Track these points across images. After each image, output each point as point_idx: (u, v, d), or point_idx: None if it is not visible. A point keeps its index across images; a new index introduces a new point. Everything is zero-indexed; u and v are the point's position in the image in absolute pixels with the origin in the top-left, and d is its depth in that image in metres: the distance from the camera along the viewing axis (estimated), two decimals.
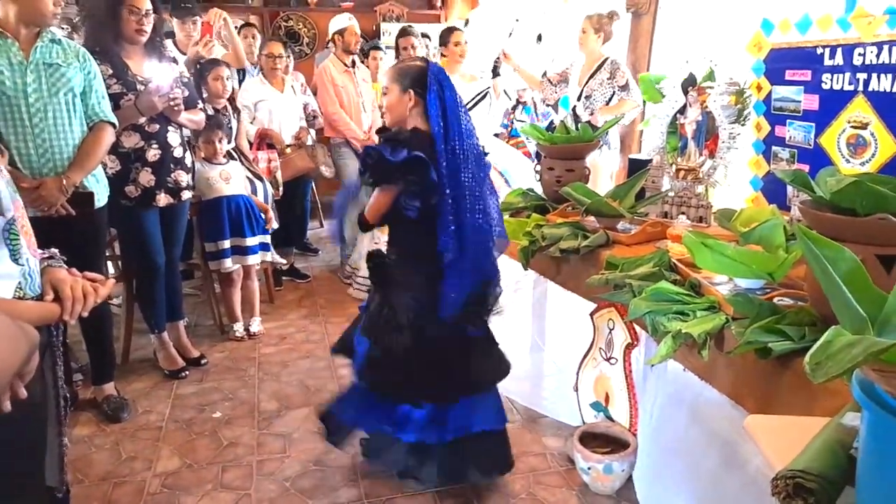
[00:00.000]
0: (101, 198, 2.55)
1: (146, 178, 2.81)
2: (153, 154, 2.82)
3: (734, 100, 2.33)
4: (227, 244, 3.37)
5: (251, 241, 3.44)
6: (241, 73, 4.44)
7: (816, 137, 2.26)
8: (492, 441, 2.17)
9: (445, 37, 4.19)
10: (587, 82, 3.92)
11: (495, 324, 2.20)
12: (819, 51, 2.21)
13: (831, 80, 2.18)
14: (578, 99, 4.00)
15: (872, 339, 0.78)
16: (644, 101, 3.67)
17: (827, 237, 1.01)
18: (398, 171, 1.91)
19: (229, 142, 3.53)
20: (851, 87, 2.10)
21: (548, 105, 4.55)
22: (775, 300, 1.59)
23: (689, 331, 1.57)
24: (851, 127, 2.13)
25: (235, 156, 3.57)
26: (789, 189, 2.29)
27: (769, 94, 2.46)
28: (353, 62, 4.44)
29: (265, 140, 4.07)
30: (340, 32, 4.43)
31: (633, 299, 1.77)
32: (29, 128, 2.27)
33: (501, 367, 2.19)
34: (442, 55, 4.16)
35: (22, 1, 2.21)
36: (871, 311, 0.89)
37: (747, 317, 1.52)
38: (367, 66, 4.87)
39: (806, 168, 2.14)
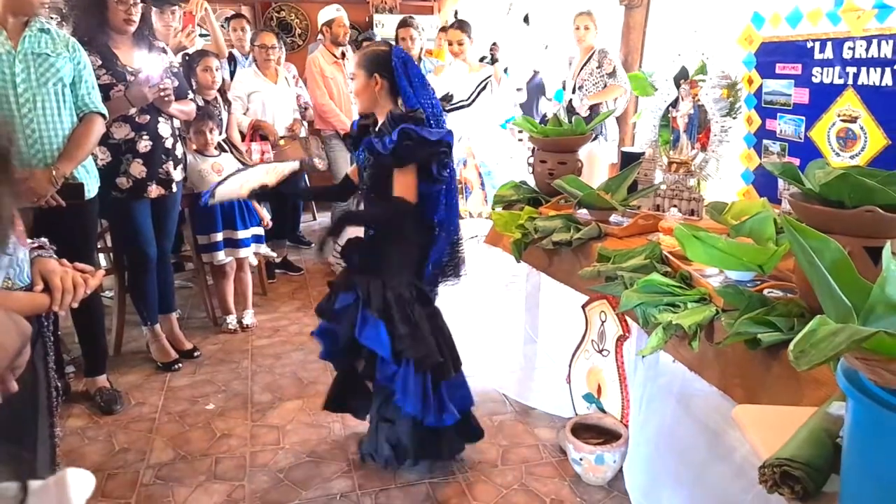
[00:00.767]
0: (92, 189, 2.54)
1: (137, 169, 2.80)
2: (144, 145, 2.81)
3: (726, 93, 2.34)
4: (219, 237, 3.37)
5: (243, 234, 3.43)
6: (232, 63, 4.42)
7: (807, 131, 2.28)
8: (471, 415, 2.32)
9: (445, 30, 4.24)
10: (579, 73, 3.97)
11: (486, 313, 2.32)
12: (809, 44, 2.22)
13: (821, 73, 2.19)
14: (574, 91, 4.03)
15: (856, 327, 0.79)
16: (636, 92, 3.70)
17: (816, 229, 1.02)
18: (435, 147, 2.03)
19: (220, 133, 3.52)
20: (841, 81, 2.12)
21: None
22: (765, 292, 1.60)
23: (680, 322, 1.58)
24: (841, 120, 2.14)
25: (227, 148, 3.55)
26: (780, 182, 2.31)
27: (760, 88, 2.47)
28: (343, 53, 4.42)
29: (258, 132, 4.05)
30: (328, 24, 4.42)
31: (624, 291, 1.79)
32: (18, 118, 2.25)
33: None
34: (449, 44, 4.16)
35: None
36: (857, 301, 0.90)
37: (737, 308, 1.53)
38: None
39: (797, 161, 2.16)
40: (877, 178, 1.34)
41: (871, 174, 1.36)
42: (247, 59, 4.47)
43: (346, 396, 2.39)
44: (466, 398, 2.23)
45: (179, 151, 3.02)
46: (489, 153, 3.96)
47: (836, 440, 1.06)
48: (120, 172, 2.78)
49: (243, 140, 3.92)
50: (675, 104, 2.48)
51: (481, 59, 4.08)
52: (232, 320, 3.52)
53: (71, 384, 2.84)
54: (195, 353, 3.20)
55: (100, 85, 2.59)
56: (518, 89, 5.46)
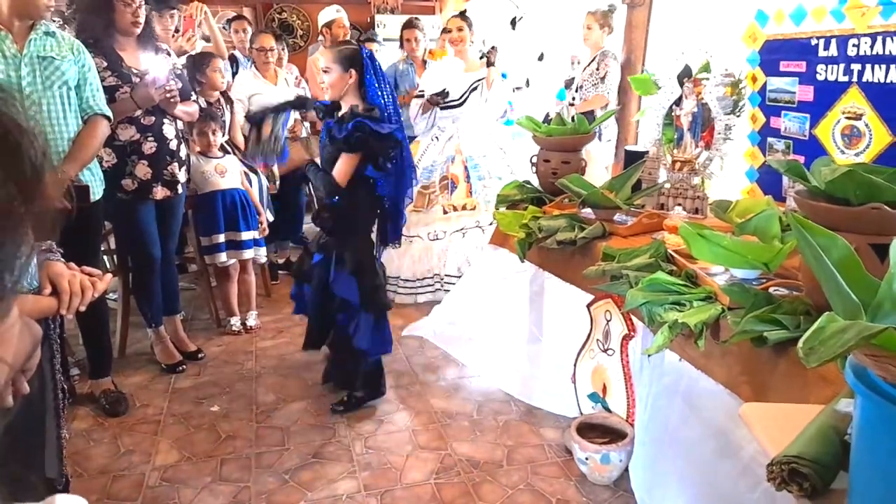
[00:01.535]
0: (97, 191, 2.54)
1: (143, 170, 2.81)
2: (149, 147, 2.81)
3: (729, 91, 2.33)
4: (221, 238, 3.37)
5: (246, 236, 3.43)
6: (234, 65, 4.42)
7: (811, 128, 2.27)
8: None
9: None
10: (582, 73, 3.97)
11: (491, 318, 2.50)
12: (813, 42, 2.22)
13: (826, 71, 2.18)
14: (576, 90, 4.02)
15: (865, 323, 0.78)
16: (638, 92, 3.68)
17: (822, 227, 1.02)
18: (382, 140, 2.40)
19: (223, 135, 3.52)
20: (846, 78, 2.11)
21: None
22: (771, 290, 1.60)
23: (686, 321, 1.58)
24: (846, 118, 2.13)
25: (230, 149, 3.56)
26: (784, 180, 2.30)
27: (764, 86, 2.46)
28: None
29: None
30: (328, 25, 4.42)
31: (629, 290, 1.79)
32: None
33: None
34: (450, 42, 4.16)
35: None
36: (865, 298, 0.89)
37: (743, 306, 1.53)
38: None
39: (801, 159, 2.15)
40: (883, 174, 1.34)
41: (877, 171, 1.36)
42: (248, 60, 4.47)
43: (322, 336, 2.78)
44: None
45: (183, 153, 3.03)
46: (476, 146, 3.96)
47: (845, 437, 1.06)
48: (125, 174, 2.78)
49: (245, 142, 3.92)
50: (678, 102, 2.48)
51: (480, 58, 4.07)
52: (236, 322, 3.52)
53: (76, 386, 2.84)
54: (199, 355, 3.20)
55: (105, 87, 2.59)
56: (517, 89, 5.44)
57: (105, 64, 2.66)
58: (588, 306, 2.34)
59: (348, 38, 4.64)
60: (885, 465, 0.82)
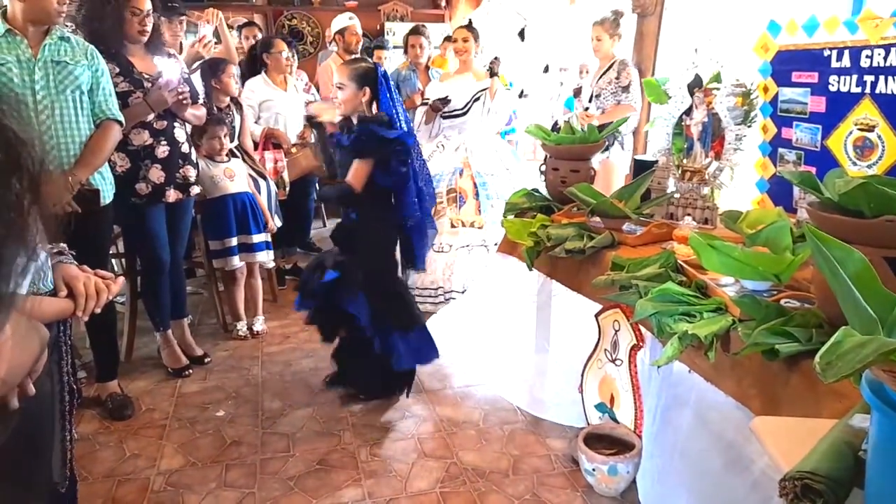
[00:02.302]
0: (108, 195, 2.56)
1: (156, 174, 2.82)
2: (162, 150, 2.83)
3: (740, 101, 2.32)
4: (234, 241, 3.38)
5: (257, 238, 3.45)
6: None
7: (823, 140, 2.26)
8: None
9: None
10: (597, 81, 3.93)
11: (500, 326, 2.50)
12: (826, 53, 2.20)
13: (838, 82, 2.17)
14: (590, 100, 3.99)
15: (883, 339, 0.77)
16: (650, 104, 3.67)
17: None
18: (389, 144, 2.41)
19: (232, 140, 3.53)
20: (859, 90, 2.10)
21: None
22: (782, 302, 1.58)
23: (696, 332, 1.57)
24: (858, 129, 2.12)
25: (238, 154, 3.57)
26: (796, 191, 2.29)
27: (776, 96, 2.45)
28: None
29: (271, 140, 4.07)
30: (341, 32, 4.45)
31: (638, 300, 1.77)
32: (36, 125, 2.27)
33: None
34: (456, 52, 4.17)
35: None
36: (881, 312, 0.88)
37: (754, 318, 1.52)
38: None
39: (813, 170, 2.14)
40: None
41: (891, 183, 1.34)
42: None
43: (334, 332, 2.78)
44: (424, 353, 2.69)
45: (193, 156, 3.05)
46: (485, 163, 3.96)
47: (859, 453, 1.04)
48: (139, 178, 2.80)
49: (256, 149, 3.93)
50: (688, 112, 2.47)
51: (486, 69, 4.08)
52: (242, 327, 3.52)
53: (82, 390, 2.84)
54: (206, 360, 3.20)
55: (118, 92, 2.62)
56: (524, 95, 5.45)
57: (117, 70, 2.69)
58: (596, 316, 2.33)
59: (360, 45, 4.65)
60: None
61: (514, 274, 2.81)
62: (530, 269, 2.57)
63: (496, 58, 4.19)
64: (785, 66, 2.40)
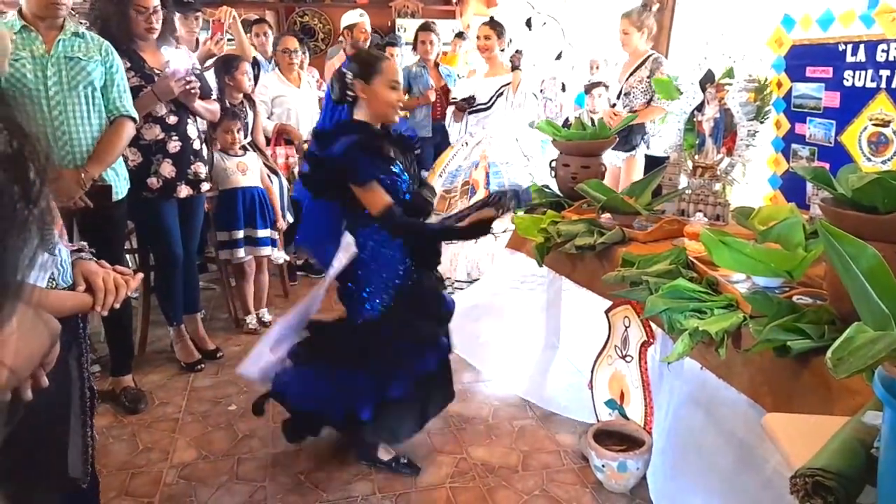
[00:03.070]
0: (120, 191, 2.58)
1: (168, 169, 2.85)
2: (174, 146, 2.85)
3: (753, 97, 2.31)
4: (240, 234, 3.42)
5: (263, 234, 3.48)
6: (256, 68, 4.46)
7: (837, 135, 2.24)
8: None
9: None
10: (627, 79, 3.79)
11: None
12: (841, 47, 2.18)
13: (853, 76, 2.15)
14: (618, 97, 3.89)
15: (895, 335, 0.77)
16: (661, 96, 3.61)
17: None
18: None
19: (245, 136, 3.56)
20: (874, 85, 2.08)
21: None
22: (794, 298, 1.57)
23: (707, 328, 1.56)
24: (873, 124, 2.10)
25: (251, 149, 3.59)
26: (808, 187, 2.27)
27: (790, 91, 2.43)
28: None
29: (283, 136, 4.09)
30: (350, 28, 4.46)
31: (649, 297, 1.77)
32: (49, 120, 2.30)
33: None
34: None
35: None
36: (894, 308, 0.88)
37: (765, 315, 1.51)
38: None
39: (826, 166, 2.12)
40: None
41: None
42: (270, 63, 4.52)
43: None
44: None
45: (206, 153, 3.07)
46: (501, 152, 3.94)
47: (871, 450, 1.04)
48: (151, 173, 2.82)
49: (268, 145, 3.95)
50: (700, 108, 2.46)
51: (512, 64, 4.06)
52: (252, 320, 3.56)
53: (97, 383, 2.88)
54: (218, 354, 3.23)
55: (130, 87, 2.64)
56: (546, 96, 5.42)
57: (128, 65, 2.71)
58: (606, 312, 2.32)
59: (368, 42, 4.66)
60: None
61: (524, 269, 2.81)
62: (540, 266, 2.57)
63: (518, 51, 4.17)
64: (799, 60, 2.38)
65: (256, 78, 4.21)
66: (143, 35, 2.74)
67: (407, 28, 6.43)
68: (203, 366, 3.11)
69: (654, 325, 2.06)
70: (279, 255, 3.69)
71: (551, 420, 2.63)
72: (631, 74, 3.77)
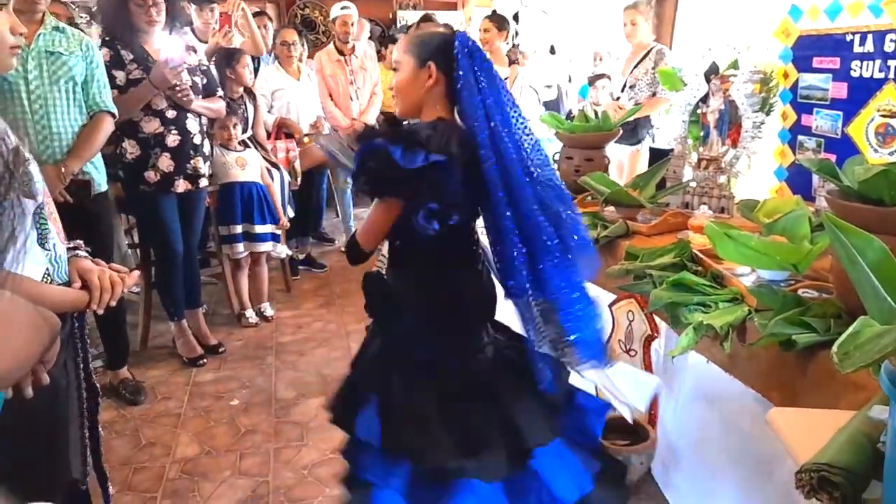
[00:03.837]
0: (100, 184, 2.57)
1: (166, 163, 2.83)
2: (173, 140, 2.84)
3: (758, 88, 2.28)
4: (238, 229, 3.42)
5: (261, 229, 3.47)
6: (256, 61, 4.45)
7: (844, 126, 2.21)
8: None
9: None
10: (632, 71, 3.77)
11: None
12: (849, 38, 2.15)
13: (861, 67, 2.12)
14: (623, 90, 3.86)
15: None
16: (665, 87, 3.58)
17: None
18: (409, 182, 1.39)
19: (244, 130, 3.54)
20: (882, 75, 2.05)
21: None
22: (800, 292, 1.55)
23: (711, 322, 1.54)
24: (881, 116, 2.07)
25: (251, 144, 3.58)
26: (815, 179, 2.24)
27: (796, 82, 2.40)
28: (353, 49, 4.43)
29: (283, 130, 4.07)
30: (334, 21, 4.47)
31: (653, 290, 1.75)
32: (29, 115, 2.29)
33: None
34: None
35: None
36: None
37: (771, 308, 1.49)
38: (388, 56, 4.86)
39: (833, 158, 2.09)
40: None
41: None
42: (270, 56, 4.50)
43: None
44: None
45: (207, 148, 3.05)
46: None
47: (878, 445, 1.02)
48: (149, 166, 2.81)
49: (268, 138, 3.94)
50: (704, 100, 2.43)
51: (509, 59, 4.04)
52: (251, 314, 3.56)
53: (98, 378, 2.88)
54: (220, 349, 3.23)
55: (132, 79, 2.63)
56: (548, 86, 5.39)
57: (131, 57, 2.70)
58: (610, 306, 2.30)
59: (364, 34, 4.63)
60: None
61: None
62: None
63: (514, 45, 4.15)
64: (806, 51, 2.35)
65: (256, 71, 4.20)
66: (145, 28, 2.73)
67: (408, 20, 6.40)
68: (205, 361, 3.10)
69: (658, 319, 2.04)
70: (281, 250, 3.68)
71: None
72: (635, 67, 3.75)
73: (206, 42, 3.66)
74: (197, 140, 2.94)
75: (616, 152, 3.81)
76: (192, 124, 2.92)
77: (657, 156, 2.69)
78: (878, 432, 1.03)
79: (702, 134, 2.45)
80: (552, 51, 6.00)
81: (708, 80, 2.40)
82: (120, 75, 2.70)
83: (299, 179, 4.06)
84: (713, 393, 1.74)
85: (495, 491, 1.44)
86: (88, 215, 2.47)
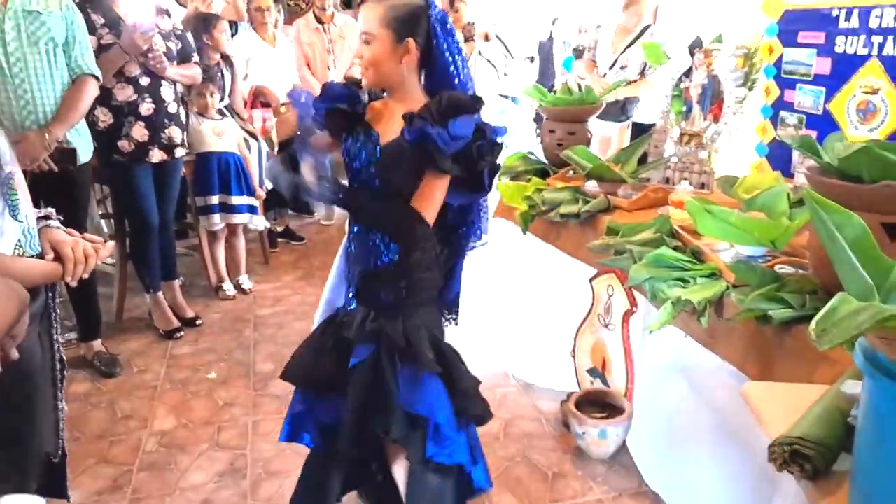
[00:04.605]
0: (85, 154, 2.49)
1: (140, 132, 2.76)
2: (146, 108, 2.76)
3: (741, 63, 2.27)
4: (215, 199, 3.37)
5: (237, 200, 3.42)
6: (233, 27, 4.33)
7: (826, 103, 2.21)
8: None
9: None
10: (624, 51, 3.69)
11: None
12: (835, 13, 2.14)
13: (845, 43, 2.11)
14: (611, 68, 3.81)
15: (879, 306, 0.75)
16: (649, 61, 3.54)
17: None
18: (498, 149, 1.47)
19: (222, 98, 3.46)
20: (865, 51, 2.04)
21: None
22: (777, 268, 1.57)
23: (689, 297, 1.55)
24: (862, 92, 2.07)
25: (228, 113, 3.50)
26: (794, 156, 2.25)
27: (780, 58, 2.39)
28: (332, 17, 4.34)
29: (259, 98, 3.98)
30: None
31: (633, 265, 1.75)
32: (9, 78, 2.20)
33: None
34: None
35: None
36: (878, 279, 0.86)
37: (748, 284, 1.50)
38: None
39: (814, 134, 2.10)
40: None
41: (892, 148, 1.31)
42: (247, 22, 4.39)
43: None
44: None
45: (182, 116, 2.97)
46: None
47: (848, 419, 1.04)
48: (122, 135, 2.73)
49: (245, 107, 3.85)
50: (688, 74, 2.42)
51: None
52: (228, 287, 3.52)
53: (73, 351, 2.83)
54: (197, 321, 3.19)
55: (103, 44, 2.54)
56: (530, 58, 5.32)
57: (102, 21, 2.60)
58: (590, 280, 2.31)
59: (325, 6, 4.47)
60: (892, 449, 0.80)
61: (507, 237, 2.79)
62: (524, 233, 2.54)
63: (470, 23, 4.08)
64: (791, 25, 2.34)
65: (233, 37, 4.08)
66: None
67: None
68: (182, 333, 3.07)
69: (637, 294, 2.05)
70: (259, 222, 3.63)
71: (533, 388, 2.64)
72: (628, 47, 3.70)
73: (185, 6, 3.55)
74: (172, 108, 2.87)
75: (604, 128, 3.79)
76: (167, 92, 2.84)
77: (640, 131, 2.68)
78: (850, 406, 1.05)
79: (684, 109, 2.44)
80: (554, 22, 5.94)
81: (692, 54, 2.38)
82: (91, 40, 2.60)
83: (276, 150, 3.99)
84: (690, 367, 1.76)
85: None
86: (66, 183, 2.40)
